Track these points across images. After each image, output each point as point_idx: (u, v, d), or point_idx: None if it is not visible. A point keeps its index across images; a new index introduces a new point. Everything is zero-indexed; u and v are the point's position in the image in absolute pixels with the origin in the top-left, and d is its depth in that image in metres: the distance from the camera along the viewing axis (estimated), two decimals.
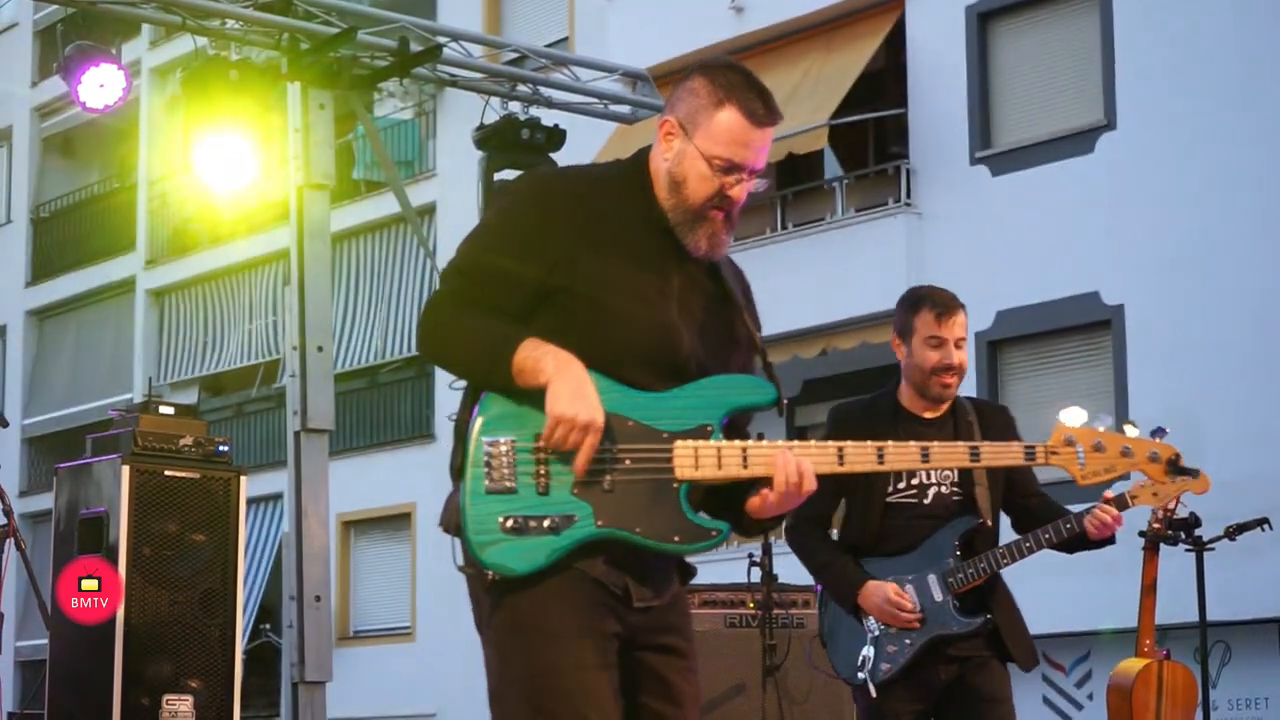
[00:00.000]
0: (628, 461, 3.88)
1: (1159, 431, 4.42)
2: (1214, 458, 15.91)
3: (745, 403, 4.01)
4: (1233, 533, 9.02)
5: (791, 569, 7.69)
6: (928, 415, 6.08)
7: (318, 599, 11.39)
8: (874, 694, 6.00)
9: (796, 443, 4.03)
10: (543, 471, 3.86)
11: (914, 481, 6.02)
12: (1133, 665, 8.02)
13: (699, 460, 3.92)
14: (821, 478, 6.01)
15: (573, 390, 3.80)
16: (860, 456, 4.06)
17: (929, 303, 6.06)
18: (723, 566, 8.69)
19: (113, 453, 9.20)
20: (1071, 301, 18.13)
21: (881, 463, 4.09)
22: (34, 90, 32.87)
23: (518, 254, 3.94)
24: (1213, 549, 8.87)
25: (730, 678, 8.38)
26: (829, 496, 6.10)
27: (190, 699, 9.08)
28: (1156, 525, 7.76)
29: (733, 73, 4.03)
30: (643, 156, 4.11)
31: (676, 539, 3.91)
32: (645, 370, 3.94)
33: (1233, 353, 16.97)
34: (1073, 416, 4.34)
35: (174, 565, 9.12)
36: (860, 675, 6.04)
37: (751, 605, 8.41)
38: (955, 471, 6.01)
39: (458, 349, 3.95)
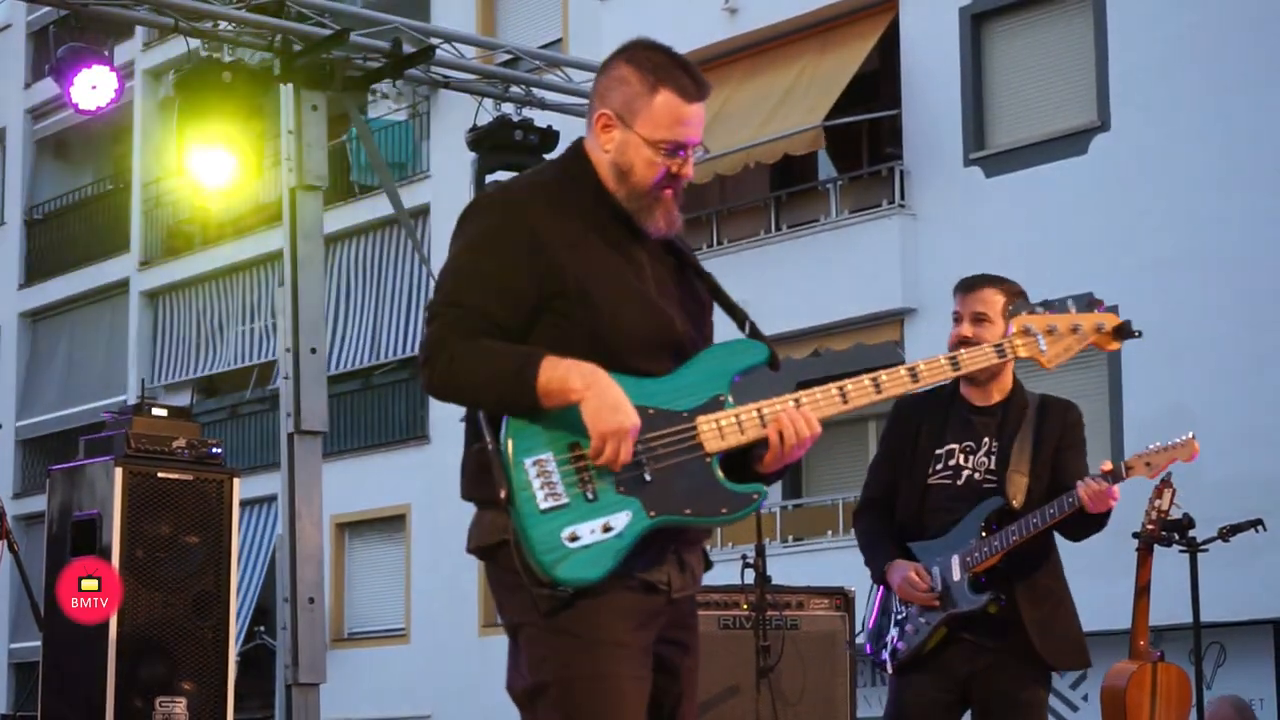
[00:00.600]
0: (660, 449, 3.96)
1: (1094, 301, 4.54)
2: (1208, 459, 15.84)
3: (745, 365, 4.10)
4: (1227, 534, 9.01)
5: (785, 570, 7.69)
6: (979, 403, 6.13)
7: (311, 601, 11.39)
8: (889, 670, 6.09)
9: (803, 393, 4.10)
10: (586, 479, 3.91)
11: (950, 464, 6.08)
12: (1126, 667, 8.00)
13: (723, 430, 4.02)
14: (878, 463, 6.16)
15: (610, 404, 3.86)
16: (860, 392, 4.16)
17: (959, 281, 6.18)
18: (716, 568, 8.64)
19: (105, 455, 9.17)
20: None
21: (879, 392, 4.17)
22: (27, 92, 32.86)
23: (509, 274, 3.96)
24: (1207, 550, 8.87)
25: (724, 679, 8.36)
26: (886, 480, 6.23)
27: (183, 701, 9.06)
28: (1150, 526, 7.74)
29: (655, 52, 4.10)
30: (580, 150, 4.15)
31: (724, 510, 4.02)
32: (649, 357, 4.02)
33: (1227, 353, 16.98)
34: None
35: (167, 567, 9.10)
36: (883, 655, 6.12)
37: (745, 606, 8.40)
38: (991, 460, 6.05)
39: (474, 384, 3.94)
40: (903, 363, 4.31)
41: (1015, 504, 5.97)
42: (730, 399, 4.04)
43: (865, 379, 4.16)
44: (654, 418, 3.96)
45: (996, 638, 5.97)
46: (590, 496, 3.90)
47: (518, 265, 3.95)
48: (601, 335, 3.96)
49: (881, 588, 6.25)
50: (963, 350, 4.40)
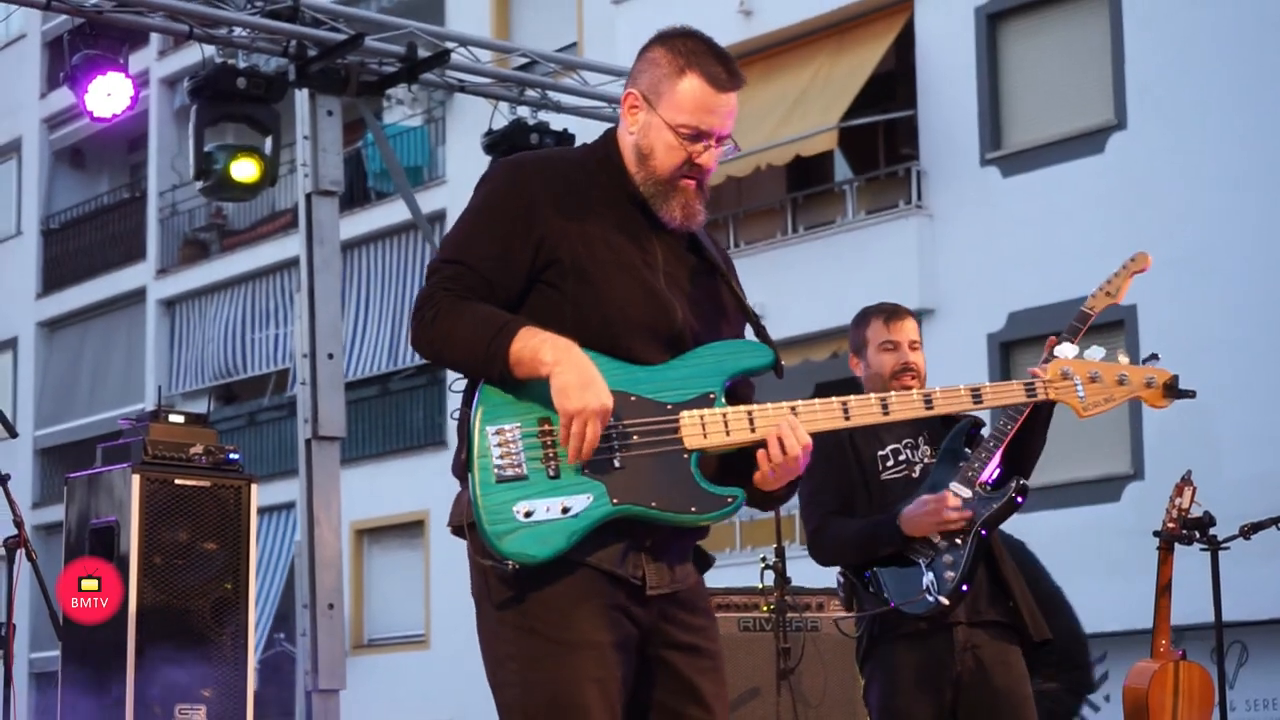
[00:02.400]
0: (635, 437, 3.84)
1: (1153, 358, 4.44)
2: (1228, 457, 15.93)
3: (744, 367, 3.97)
4: (1248, 532, 8.96)
5: (805, 572, 7.66)
6: None
7: (331, 607, 11.38)
8: (946, 603, 5.86)
9: (800, 403, 3.98)
10: (551, 455, 3.80)
11: (900, 459, 6.09)
12: (1148, 666, 7.97)
13: (706, 428, 3.88)
14: (827, 471, 6.05)
15: (579, 380, 3.75)
16: (865, 410, 4.03)
17: (875, 311, 6.26)
18: (737, 570, 8.62)
19: (123, 462, 9.17)
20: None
21: (886, 413, 4.06)
22: (43, 101, 32.89)
23: (505, 237, 3.90)
24: (1228, 548, 8.82)
25: (744, 681, 8.34)
26: (839, 488, 6.13)
27: (203, 709, 9.05)
28: (1171, 525, 7.72)
29: (692, 39, 4.00)
30: (611, 134, 4.10)
31: (693, 509, 3.86)
32: (642, 343, 3.91)
33: (1246, 352, 16.93)
34: (1066, 350, 4.35)
35: (185, 574, 9.08)
36: (930, 599, 5.91)
37: (766, 608, 8.37)
38: (931, 448, 6.08)
39: (452, 342, 3.86)
40: None
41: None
42: (722, 399, 3.91)
43: (873, 398, 4.03)
44: (635, 404, 3.84)
45: (989, 629, 5.95)
46: (552, 474, 3.79)
47: (513, 231, 3.89)
48: (594, 314, 3.87)
49: (869, 575, 6.11)
50: (987, 386, 4.21)
